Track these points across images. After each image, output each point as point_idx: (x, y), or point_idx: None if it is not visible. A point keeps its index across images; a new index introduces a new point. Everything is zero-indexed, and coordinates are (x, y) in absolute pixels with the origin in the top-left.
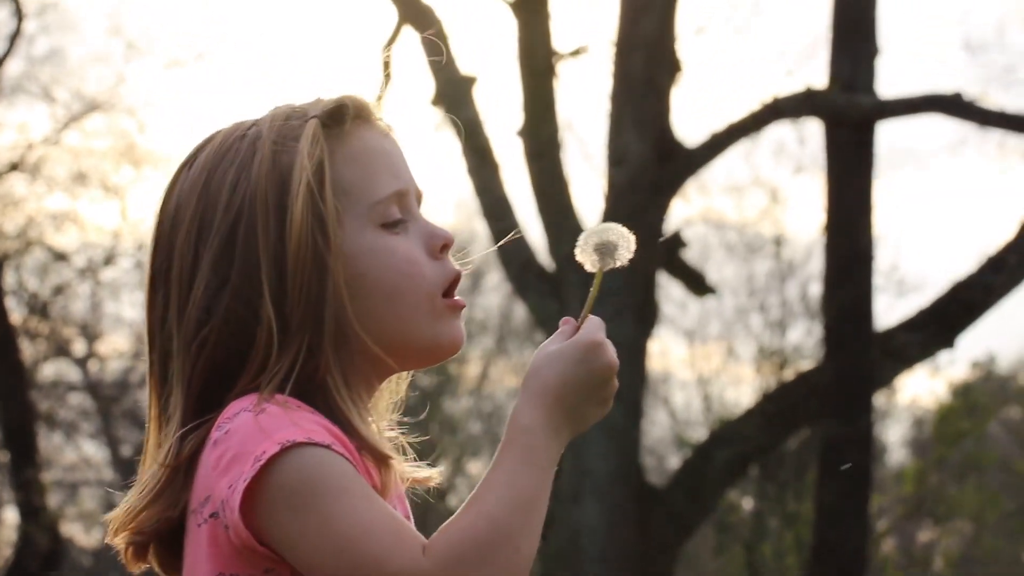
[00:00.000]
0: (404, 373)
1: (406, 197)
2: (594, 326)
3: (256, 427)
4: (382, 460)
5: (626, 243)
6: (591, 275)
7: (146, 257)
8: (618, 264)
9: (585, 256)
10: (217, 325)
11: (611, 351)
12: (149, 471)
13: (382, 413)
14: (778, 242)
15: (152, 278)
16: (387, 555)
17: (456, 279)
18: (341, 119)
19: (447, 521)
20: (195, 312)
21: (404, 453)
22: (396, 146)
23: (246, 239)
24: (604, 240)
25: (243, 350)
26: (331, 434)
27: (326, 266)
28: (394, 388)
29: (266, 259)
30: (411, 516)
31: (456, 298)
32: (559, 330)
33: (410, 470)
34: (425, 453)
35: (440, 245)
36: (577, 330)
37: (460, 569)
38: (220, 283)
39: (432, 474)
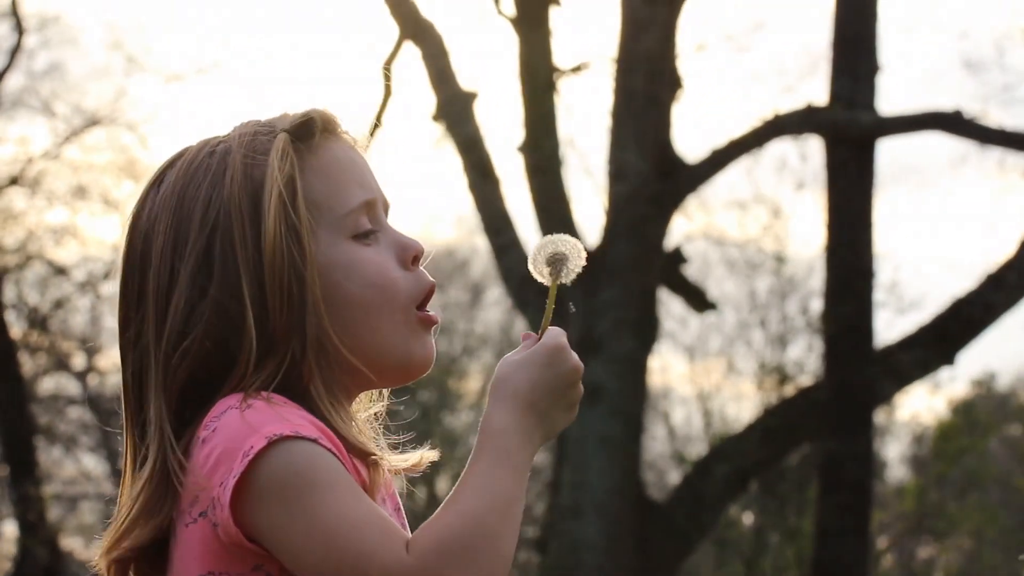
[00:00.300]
0: (381, 392)
1: (375, 207)
2: (555, 333)
3: (242, 422)
4: (368, 458)
5: (576, 254)
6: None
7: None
8: (572, 276)
9: (537, 270)
10: (199, 336)
11: (575, 356)
12: (136, 487)
13: (361, 424)
14: (779, 258)
15: (124, 296)
16: (372, 551)
17: (430, 291)
18: (309, 133)
19: (428, 519)
20: (175, 325)
21: (390, 448)
22: (363, 158)
23: (223, 252)
24: (554, 252)
25: (225, 361)
26: (318, 428)
27: (304, 276)
28: (375, 399)
29: (245, 271)
30: (402, 511)
31: (429, 312)
32: (522, 343)
33: (398, 461)
34: (426, 468)
35: (412, 256)
36: (539, 341)
37: (443, 565)
38: (199, 296)
39: (421, 456)
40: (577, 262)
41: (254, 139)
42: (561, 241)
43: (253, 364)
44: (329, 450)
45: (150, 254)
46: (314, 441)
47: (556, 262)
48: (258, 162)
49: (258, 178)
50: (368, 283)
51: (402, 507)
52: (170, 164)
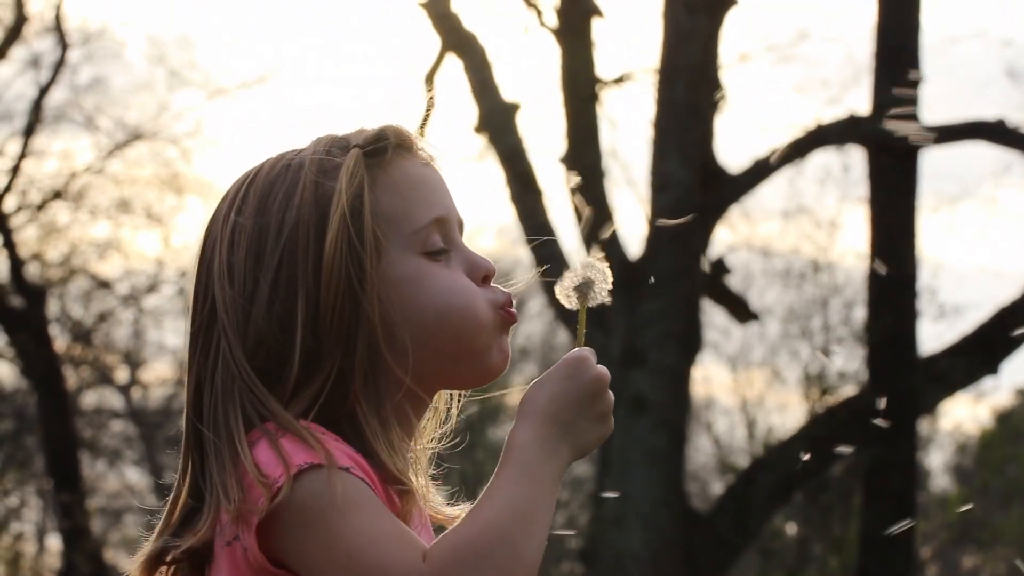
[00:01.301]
0: (455, 397)
1: (447, 225)
2: (577, 349)
3: (273, 451)
4: (403, 490)
5: (603, 277)
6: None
7: (191, 285)
8: (597, 301)
9: (564, 296)
10: (261, 353)
11: (597, 366)
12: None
13: (417, 453)
14: (822, 268)
15: (198, 308)
16: (389, 562)
17: (508, 301)
18: (383, 149)
19: (447, 530)
20: (247, 341)
21: (435, 487)
22: (438, 175)
23: (289, 269)
24: (583, 279)
25: (274, 376)
26: (351, 459)
27: (359, 297)
28: (441, 416)
29: (303, 289)
30: None
31: (509, 310)
32: None
33: (438, 504)
34: (469, 480)
35: (482, 275)
36: None
37: (458, 573)
38: (267, 312)
39: (458, 513)
40: (604, 285)
41: (327, 154)
42: (587, 266)
43: (292, 386)
44: (360, 478)
45: (234, 266)
46: (345, 470)
47: (583, 287)
48: (328, 177)
49: (326, 194)
50: (441, 294)
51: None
52: (250, 177)
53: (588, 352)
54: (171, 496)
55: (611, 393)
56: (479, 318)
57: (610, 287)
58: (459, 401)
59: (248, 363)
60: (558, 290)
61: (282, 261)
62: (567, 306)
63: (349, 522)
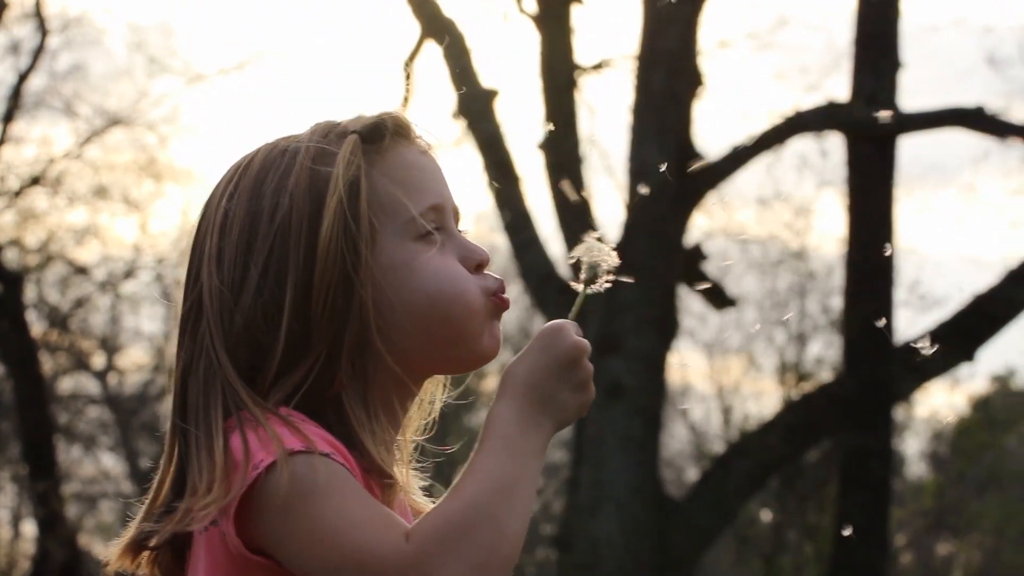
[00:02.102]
0: (440, 388)
1: (442, 212)
2: (554, 321)
3: (254, 437)
4: (385, 481)
5: (611, 268)
6: (610, 288)
7: (182, 270)
8: (602, 286)
9: (577, 272)
10: (245, 341)
11: (573, 336)
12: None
13: (403, 443)
14: (800, 255)
15: (188, 292)
16: (372, 544)
17: (500, 287)
18: (380, 135)
19: (429, 509)
20: (236, 326)
21: (417, 480)
22: (435, 163)
23: (280, 253)
24: (595, 261)
25: (258, 364)
26: (331, 446)
27: (353, 282)
28: (426, 408)
29: (293, 272)
30: None
31: (501, 296)
32: None
33: (419, 501)
34: (444, 466)
35: (476, 263)
36: None
37: (441, 550)
38: (257, 296)
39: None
40: (607, 277)
41: (323, 140)
42: (604, 253)
43: (275, 373)
44: (341, 464)
45: (224, 251)
46: (326, 455)
47: (592, 269)
48: (324, 164)
49: (322, 180)
50: (433, 281)
51: None
52: (245, 163)
53: (564, 323)
54: (155, 482)
55: (589, 363)
56: (470, 304)
57: (615, 271)
58: (444, 393)
59: (229, 353)
60: (575, 253)
61: (274, 246)
62: (574, 284)
63: (330, 506)
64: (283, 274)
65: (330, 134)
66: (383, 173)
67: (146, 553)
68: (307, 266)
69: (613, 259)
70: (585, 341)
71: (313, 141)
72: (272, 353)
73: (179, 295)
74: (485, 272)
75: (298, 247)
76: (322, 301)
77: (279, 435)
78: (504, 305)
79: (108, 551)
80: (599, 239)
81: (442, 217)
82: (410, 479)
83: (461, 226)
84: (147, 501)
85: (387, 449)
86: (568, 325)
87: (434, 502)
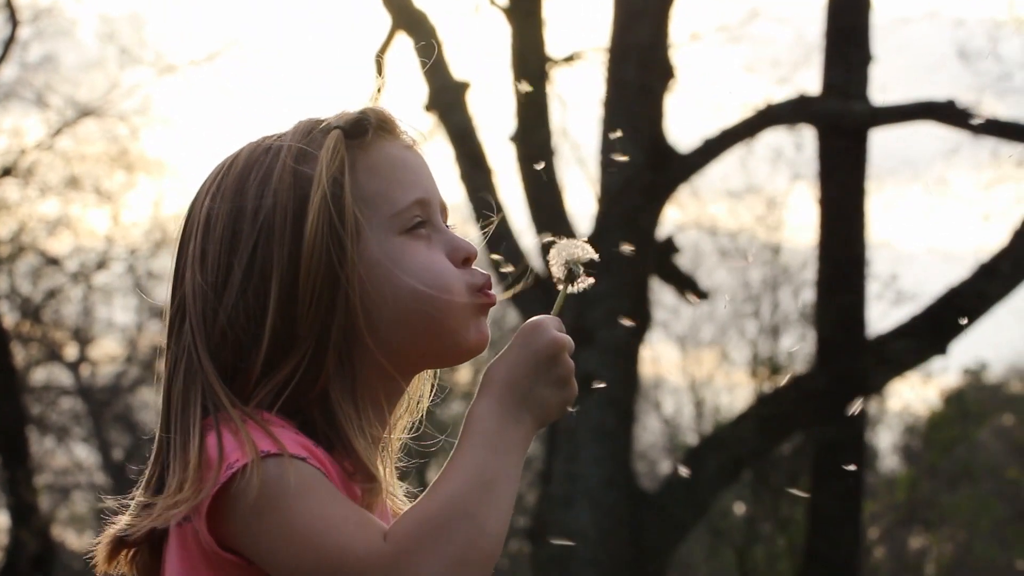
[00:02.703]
0: (427, 385)
1: (428, 206)
2: (534, 318)
3: (231, 438)
4: (368, 481)
5: (587, 266)
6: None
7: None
8: (580, 287)
9: (556, 270)
10: (228, 341)
11: (553, 331)
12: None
13: (389, 443)
14: (773, 248)
15: (176, 290)
16: (349, 545)
17: (486, 283)
18: (363, 131)
19: (408, 508)
20: (223, 322)
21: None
22: (420, 158)
23: (265, 250)
24: (574, 258)
25: (241, 365)
26: (307, 450)
27: (338, 277)
28: (414, 407)
29: (278, 271)
30: None
31: (488, 292)
32: None
33: (401, 504)
34: (415, 458)
35: (463, 257)
36: None
37: (419, 549)
38: (242, 294)
39: None
40: (586, 276)
41: (308, 136)
42: (581, 248)
43: (260, 372)
44: (316, 468)
45: (208, 251)
46: (300, 459)
47: (570, 266)
48: (308, 160)
49: (306, 177)
50: (418, 274)
51: None
52: (228, 162)
53: (545, 319)
54: (142, 481)
55: (570, 359)
56: (455, 299)
57: (594, 269)
58: (432, 393)
59: (211, 353)
60: (553, 252)
61: (257, 244)
62: (553, 272)
63: (304, 508)
64: (267, 272)
65: (313, 131)
66: (367, 168)
67: (124, 552)
68: (292, 263)
69: (590, 253)
70: (566, 337)
71: (296, 139)
72: (256, 352)
73: (167, 297)
74: (472, 267)
75: (282, 244)
76: (308, 297)
77: (253, 438)
78: (490, 301)
79: (93, 550)
80: (573, 236)
81: (428, 211)
82: (394, 481)
83: (449, 221)
84: (131, 499)
85: (374, 446)
86: (548, 321)
87: (413, 500)
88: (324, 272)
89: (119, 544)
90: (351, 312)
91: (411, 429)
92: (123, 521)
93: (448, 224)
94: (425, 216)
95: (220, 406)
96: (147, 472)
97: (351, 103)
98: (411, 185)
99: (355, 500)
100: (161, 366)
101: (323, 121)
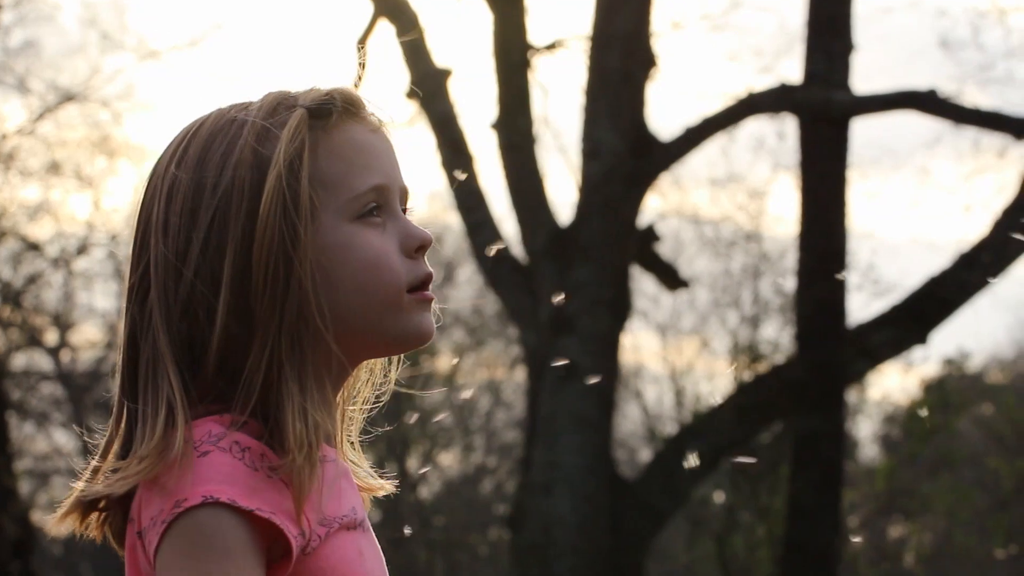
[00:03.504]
0: (386, 364)
1: (386, 193)
2: None
3: (192, 469)
4: (303, 461)
5: None
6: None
7: (127, 249)
8: None
9: None
10: (188, 317)
11: None
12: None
13: (342, 420)
14: (753, 237)
15: (135, 258)
16: None
17: (427, 279)
18: (327, 112)
19: (375, 486)
20: (183, 295)
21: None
22: (385, 142)
23: (221, 226)
24: None
25: (199, 344)
26: (263, 475)
27: (291, 258)
28: (378, 380)
29: (232, 248)
30: (365, 515)
31: (424, 292)
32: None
33: (363, 475)
34: (396, 446)
35: (416, 245)
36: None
37: None
38: (198, 267)
39: (383, 485)
40: None
41: (273, 112)
42: None
43: (217, 350)
44: (252, 513)
45: (169, 221)
46: (248, 512)
47: None
48: (270, 136)
49: (265, 157)
50: (363, 263)
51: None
52: (194, 129)
53: None
54: (102, 444)
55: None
56: (397, 290)
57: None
58: (398, 367)
59: (171, 335)
60: None
61: (215, 219)
62: None
63: (212, 572)
64: (223, 249)
65: (279, 107)
66: (328, 150)
67: (95, 515)
68: (246, 242)
69: None
70: None
71: (261, 115)
72: (211, 329)
73: (127, 255)
74: (420, 259)
75: (237, 222)
76: (261, 280)
77: (211, 476)
78: (426, 299)
79: (61, 512)
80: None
81: (385, 197)
82: (359, 457)
83: (410, 205)
84: (93, 463)
85: (317, 427)
86: None
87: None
88: (277, 253)
89: (89, 507)
90: (303, 295)
91: (379, 407)
92: (94, 486)
93: (407, 209)
94: (381, 202)
95: (173, 401)
96: (108, 436)
97: (324, 80)
98: (370, 170)
99: (285, 507)
100: (120, 327)
101: (291, 97)
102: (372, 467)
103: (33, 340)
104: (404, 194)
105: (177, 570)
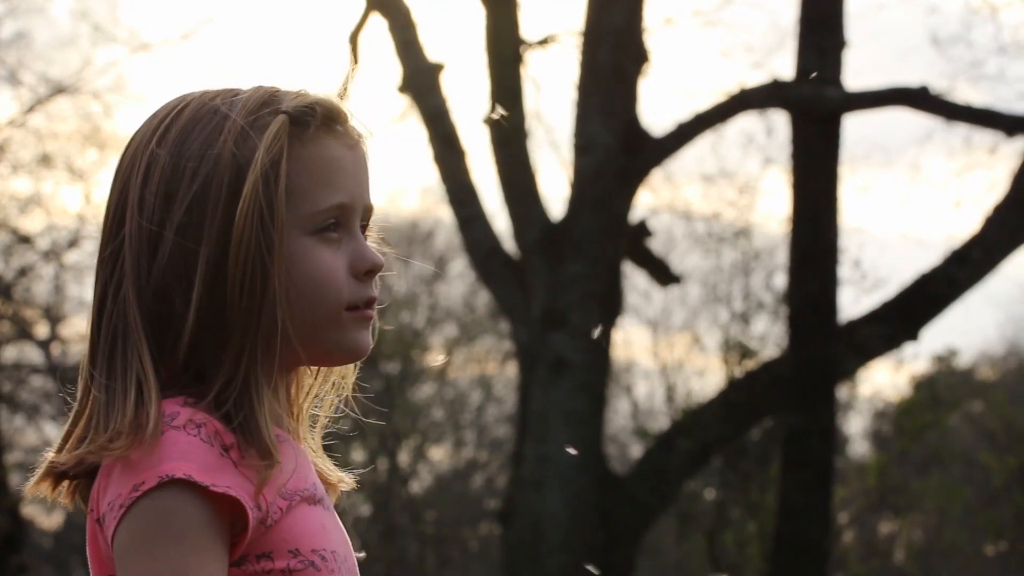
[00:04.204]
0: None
1: (348, 211)
2: None
3: (150, 450)
4: (264, 457)
5: None
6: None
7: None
8: None
9: None
10: (160, 300)
11: None
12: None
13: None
14: (744, 233)
15: (107, 234)
16: None
17: (371, 302)
18: (306, 123)
19: (336, 478)
20: (156, 279)
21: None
22: (358, 159)
23: (198, 218)
24: None
25: (167, 324)
26: (218, 452)
27: (267, 267)
28: (339, 382)
29: (207, 243)
30: (325, 494)
31: (366, 311)
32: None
33: (326, 471)
34: (388, 440)
35: (366, 268)
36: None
37: None
38: (170, 254)
39: (343, 478)
40: None
41: (257, 111)
42: None
43: (188, 338)
44: (211, 489)
45: (144, 200)
46: (205, 488)
47: None
48: (249, 138)
49: (245, 155)
50: (312, 279)
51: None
52: (177, 110)
53: None
54: (71, 415)
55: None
56: (337, 308)
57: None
58: (355, 371)
59: (143, 311)
60: None
61: (191, 208)
62: None
63: (171, 554)
64: (197, 240)
65: (263, 108)
66: (299, 162)
67: (66, 483)
68: (221, 244)
69: None
70: None
71: (245, 113)
72: (183, 327)
73: (100, 229)
74: (367, 282)
75: (213, 222)
76: (239, 282)
77: (169, 455)
78: (366, 320)
79: (32, 481)
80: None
81: (346, 215)
82: (320, 449)
83: (372, 221)
84: (63, 433)
85: (277, 426)
86: None
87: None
88: (254, 261)
89: (60, 476)
90: (278, 303)
91: (337, 403)
92: (64, 455)
93: (367, 226)
94: (342, 219)
95: (143, 377)
96: (77, 406)
97: (318, 82)
98: (335, 188)
99: (250, 485)
100: (90, 294)
101: (277, 98)
102: (364, 464)
103: (23, 333)
104: (368, 212)
105: (134, 552)
